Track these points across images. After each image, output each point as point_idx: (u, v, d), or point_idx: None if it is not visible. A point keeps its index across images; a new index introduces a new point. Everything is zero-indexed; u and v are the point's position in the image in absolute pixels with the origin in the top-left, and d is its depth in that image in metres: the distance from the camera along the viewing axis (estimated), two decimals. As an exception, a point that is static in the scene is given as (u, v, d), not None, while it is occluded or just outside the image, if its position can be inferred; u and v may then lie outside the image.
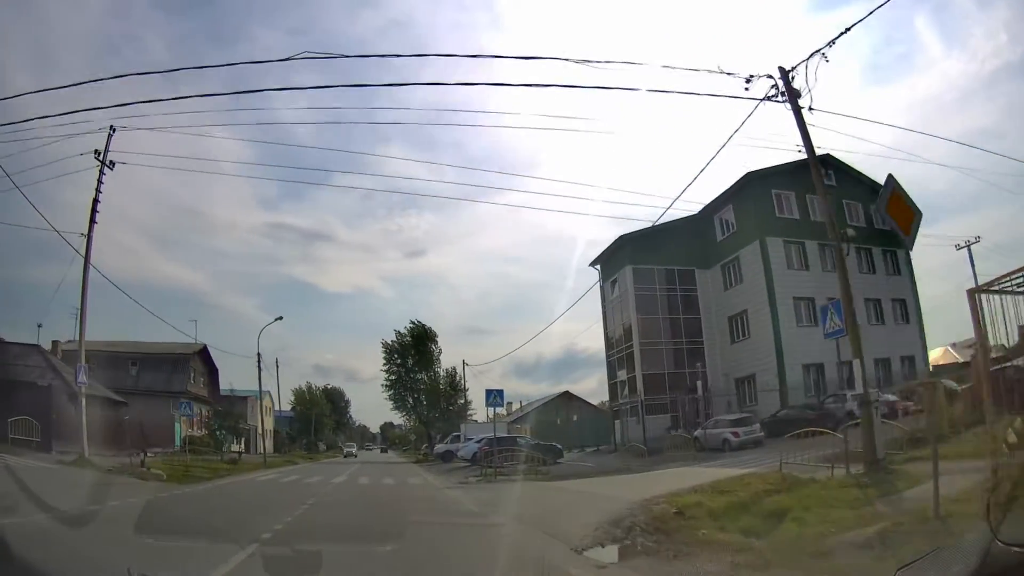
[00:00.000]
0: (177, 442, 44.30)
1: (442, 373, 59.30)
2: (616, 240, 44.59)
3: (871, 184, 32.03)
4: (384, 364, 59.27)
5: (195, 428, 45.41)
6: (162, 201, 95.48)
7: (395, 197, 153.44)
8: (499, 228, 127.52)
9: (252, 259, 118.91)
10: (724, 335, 41.82)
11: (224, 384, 54.94)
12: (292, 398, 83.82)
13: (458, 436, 46.21)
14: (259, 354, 43.01)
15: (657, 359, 42.44)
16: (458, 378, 59.36)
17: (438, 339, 59.00)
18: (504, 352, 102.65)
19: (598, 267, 48.35)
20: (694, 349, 42.46)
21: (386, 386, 59.34)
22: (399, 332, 59.42)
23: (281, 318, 44.09)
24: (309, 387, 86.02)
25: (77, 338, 26.15)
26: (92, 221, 27.52)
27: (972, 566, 3.00)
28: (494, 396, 25.98)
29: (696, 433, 29.98)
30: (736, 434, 27.82)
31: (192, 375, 49.93)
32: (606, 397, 49.91)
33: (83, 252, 26.78)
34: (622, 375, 45.25)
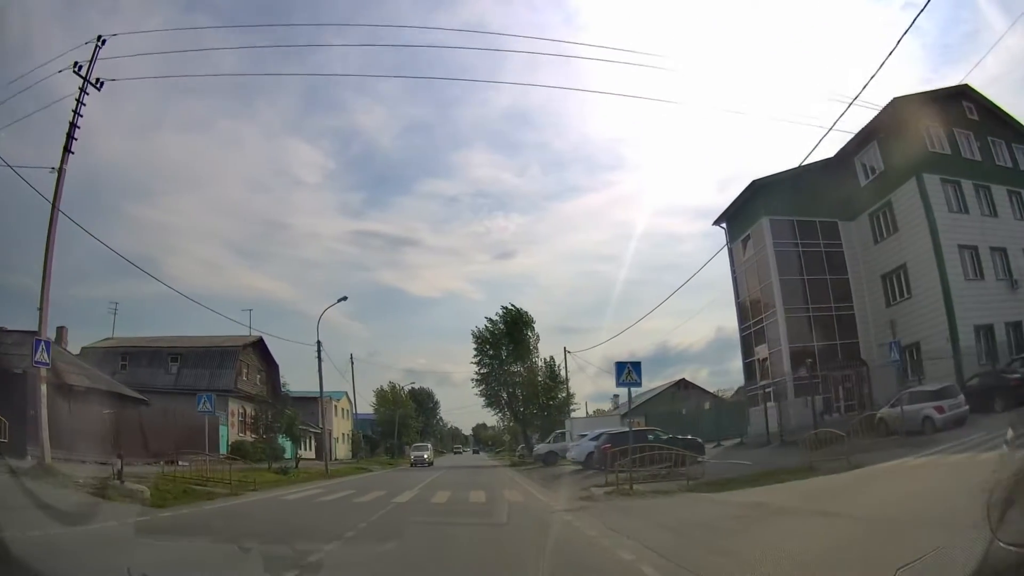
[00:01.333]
0: (223, 447, 37.54)
1: (540, 364, 50.68)
2: (747, 188, 35.93)
3: (1015, 125, 30.98)
4: (475, 356, 51.43)
5: (248, 432, 38.54)
6: (245, 215, 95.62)
7: (481, 200, 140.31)
8: (588, 227, 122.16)
9: (338, 267, 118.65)
10: (876, 297, 33.53)
11: (294, 385, 48.52)
12: (374, 399, 77.22)
13: (563, 434, 37.60)
14: (319, 342, 35.64)
15: (802, 329, 33.59)
16: (557, 368, 50.63)
17: (535, 325, 50.43)
18: (608, 337, 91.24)
19: (723, 225, 39.00)
20: (844, 316, 34.19)
21: (477, 381, 51.42)
22: (491, 319, 51.36)
23: (345, 298, 34.19)
24: (393, 387, 79.17)
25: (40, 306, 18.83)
26: (67, 150, 20.44)
27: (972, 566, 3.02)
28: (627, 371, 17.00)
29: (881, 413, 23.59)
30: (940, 409, 21.03)
31: (244, 371, 43.22)
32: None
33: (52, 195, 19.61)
34: (761, 351, 35.75)
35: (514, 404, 51.62)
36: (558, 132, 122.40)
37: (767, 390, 34.23)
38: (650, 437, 23.73)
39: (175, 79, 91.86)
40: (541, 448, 37.74)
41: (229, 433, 37.33)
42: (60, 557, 7.51)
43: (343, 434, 71.21)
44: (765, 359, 35.36)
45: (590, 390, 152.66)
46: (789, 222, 35.03)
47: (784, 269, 34.16)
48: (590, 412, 61.51)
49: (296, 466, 34.65)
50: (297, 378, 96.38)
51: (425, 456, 48.89)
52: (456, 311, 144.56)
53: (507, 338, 50.10)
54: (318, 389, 61.58)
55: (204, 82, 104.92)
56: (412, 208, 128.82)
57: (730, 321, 38.55)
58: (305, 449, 55.15)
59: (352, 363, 57.06)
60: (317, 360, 35.65)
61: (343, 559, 7.97)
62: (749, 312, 37.03)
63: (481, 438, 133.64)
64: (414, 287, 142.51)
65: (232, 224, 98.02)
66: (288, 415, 35.24)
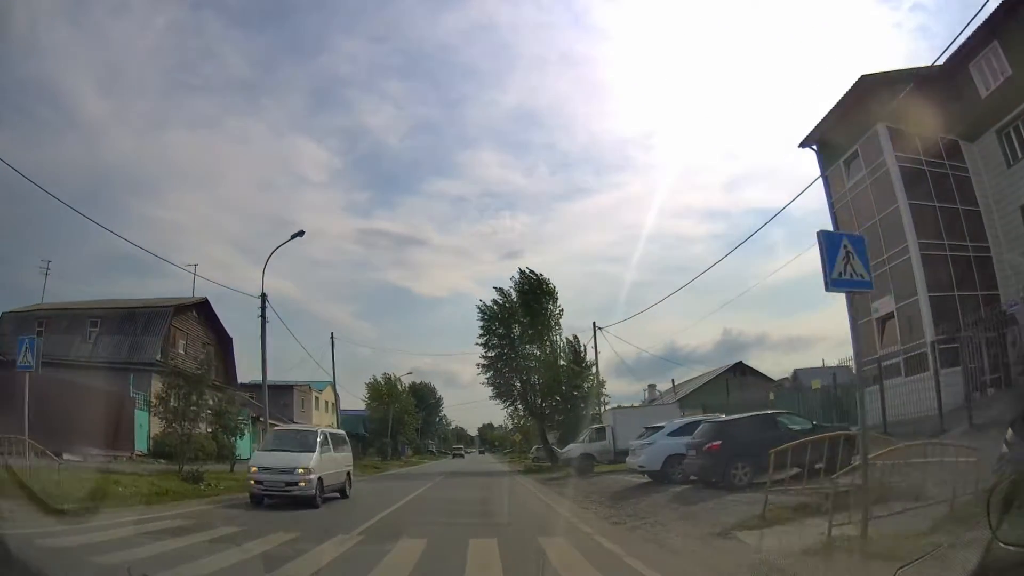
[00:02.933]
0: (141, 441, 27.63)
1: (561, 344, 40.51)
2: (853, 89, 25.56)
3: None
4: (480, 335, 41.18)
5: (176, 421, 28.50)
6: (252, 213, 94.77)
7: (488, 199, 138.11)
8: (596, 228, 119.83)
9: (345, 266, 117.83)
10: (1016, 235, 22.62)
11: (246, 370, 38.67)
12: (366, 393, 67.14)
13: (601, 430, 27.58)
14: (264, 295, 25.40)
15: (939, 274, 23.09)
16: (583, 351, 40.54)
17: (558, 296, 40.33)
18: (641, 309, 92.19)
19: (814, 147, 28.75)
20: (981, 259, 23.70)
21: (483, 366, 41.18)
22: (501, 289, 41.10)
23: (301, 233, 23.39)
24: (388, 378, 68.74)
25: None
26: None
27: (972, 566, 3.16)
28: (844, 249, 6.87)
29: None
30: None
31: (181, 341, 33.28)
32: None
33: None
34: (882, 305, 25.37)
35: (530, 395, 41.64)
36: (566, 132, 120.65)
37: (891, 361, 24.00)
38: (786, 425, 13.61)
39: (183, 77, 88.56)
40: (572, 450, 27.73)
41: (151, 422, 27.31)
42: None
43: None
44: (888, 316, 25.16)
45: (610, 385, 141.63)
46: (908, 135, 24.88)
47: (912, 191, 24.00)
48: (647, 394, 51.44)
49: (232, 468, 24.77)
50: (278, 369, 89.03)
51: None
52: (462, 311, 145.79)
53: (522, 312, 40.10)
54: (304, 378, 52.23)
55: (212, 80, 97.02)
56: (419, 207, 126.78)
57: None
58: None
59: (333, 342, 47.17)
60: (260, 322, 25.55)
61: None
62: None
63: (488, 438, 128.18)
64: (421, 287, 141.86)
65: (239, 222, 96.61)
66: (218, 401, 25.32)
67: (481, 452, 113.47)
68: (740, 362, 38.38)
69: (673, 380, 41.96)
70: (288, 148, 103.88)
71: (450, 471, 37.21)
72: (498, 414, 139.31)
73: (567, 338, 40.41)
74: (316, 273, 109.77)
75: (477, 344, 41.87)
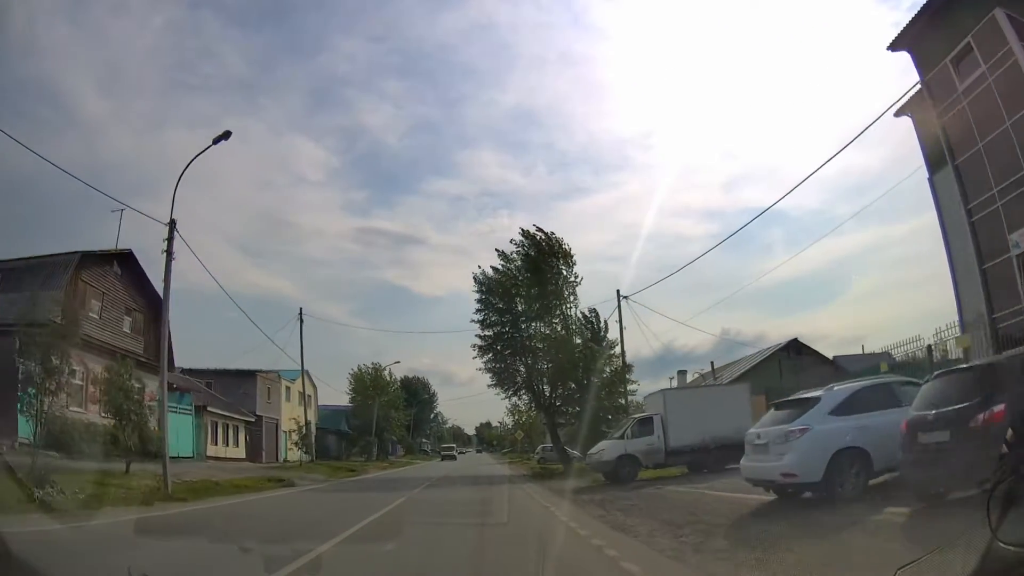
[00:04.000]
0: (24, 427, 19.93)
1: (577, 319, 32.86)
2: None
3: None
4: (478, 310, 33.65)
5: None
6: (249, 212, 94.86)
7: (486, 199, 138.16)
8: (594, 227, 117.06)
9: (343, 265, 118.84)
10: None
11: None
12: (349, 385, 59.46)
13: (647, 421, 19.99)
14: (172, 221, 17.67)
15: None
16: (603, 328, 32.94)
17: (573, 258, 32.76)
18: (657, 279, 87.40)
19: (906, 51, 21.02)
20: None
21: (480, 348, 33.66)
22: (504, 254, 33.38)
23: (227, 135, 15.58)
24: (375, 369, 60.85)
25: None
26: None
27: (972, 566, 2.94)
28: None
29: None
30: None
31: (94, 302, 25.66)
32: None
33: None
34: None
35: (536, 383, 34.16)
36: (565, 132, 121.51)
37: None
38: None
39: (181, 76, 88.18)
40: (607, 449, 19.93)
41: (46, 402, 19.55)
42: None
43: (303, 427, 53.59)
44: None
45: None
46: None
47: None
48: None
49: (127, 469, 17.33)
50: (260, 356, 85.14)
51: None
52: (461, 311, 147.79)
53: (529, 277, 32.63)
54: (269, 363, 44.56)
55: (211, 79, 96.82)
56: (417, 207, 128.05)
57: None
58: (226, 444, 37.72)
59: (301, 319, 39.60)
60: (166, 258, 17.90)
61: None
62: (970, 175, 19.04)
63: (486, 438, 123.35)
64: (419, 286, 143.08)
65: (236, 221, 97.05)
66: (115, 373, 17.80)
67: (478, 451, 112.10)
68: (795, 339, 30.74)
69: (712, 363, 34.50)
70: (286, 147, 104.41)
71: (439, 476, 29.79)
72: (497, 412, 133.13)
73: (583, 312, 32.81)
74: (314, 272, 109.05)
75: (473, 322, 34.45)
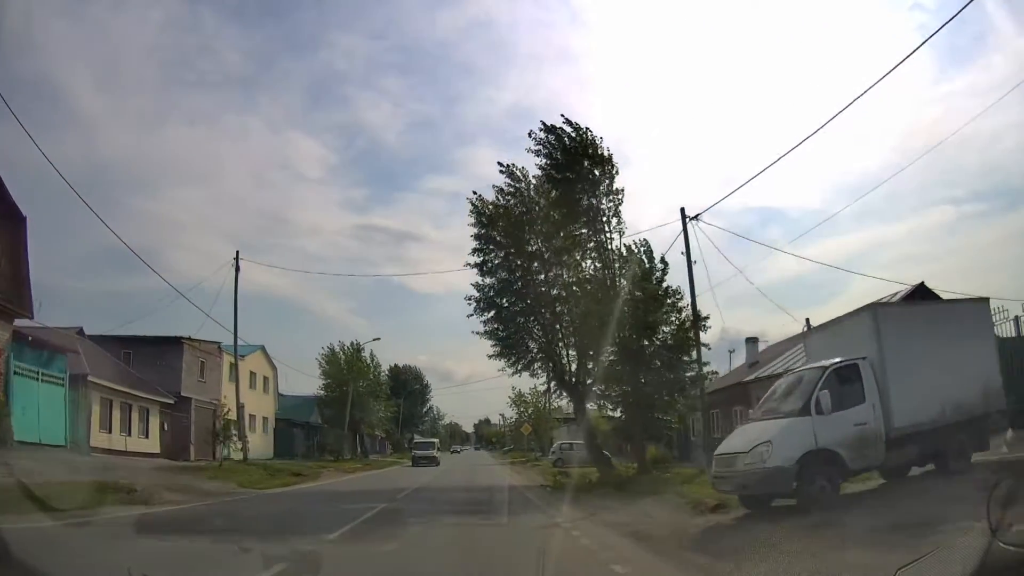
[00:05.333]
0: None
1: (617, 251, 22.30)
2: None
3: None
4: (475, 248, 23.85)
5: None
6: (248, 209, 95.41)
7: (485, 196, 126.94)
8: None
9: (341, 262, 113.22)
10: None
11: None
12: (321, 369, 49.02)
13: (850, 374, 9.61)
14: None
15: None
16: (657, 268, 22.26)
17: (615, 166, 22.06)
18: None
19: None
20: None
21: (478, 304, 23.90)
22: (510, 169, 23.35)
23: None
24: (356, 347, 50.21)
25: None
26: None
27: (972, 566, 2.95)
28: None
29: None
30: None
31: None
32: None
33: None
34: None
35: (558, 348, 24.01)
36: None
37: None
38: None
39: (180, 72, 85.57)
40: (772, 445, 8.39)
41: None
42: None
43: (264, 418, 43.31)
44: None
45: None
46: None
47: None
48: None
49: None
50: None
51: None
52: (459, 308, 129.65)
53: (550, 203, 22.57)
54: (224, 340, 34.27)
55: (209, 75, 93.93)
56: (416, 204, 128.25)
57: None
58: (127, 432, 27.59)
59: (237, 265, 29.35)
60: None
61: None
62: None
63: (484, 435, 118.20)
64: (417, 283, 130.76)
65: (235, 218, 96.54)
66: None
67: (477, 448, 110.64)
68: (922, 283, 20.59)
69: (808, 319, 24.13)
70: (285, 144, 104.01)
71: (410, 490, 19.64)
72: (497, 407, 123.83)
73: (628, 244, 22.32)
74: (313, 268, 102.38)
75: (468, 266, 24.49)
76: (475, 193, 23.98)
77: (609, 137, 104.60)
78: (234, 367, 32.10)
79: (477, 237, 23.97)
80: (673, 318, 21.13)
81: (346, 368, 47.33)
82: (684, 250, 22.14)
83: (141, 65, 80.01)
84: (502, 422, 78.44)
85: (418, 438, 62.48)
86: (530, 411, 52.41)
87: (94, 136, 76.21)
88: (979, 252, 60.38)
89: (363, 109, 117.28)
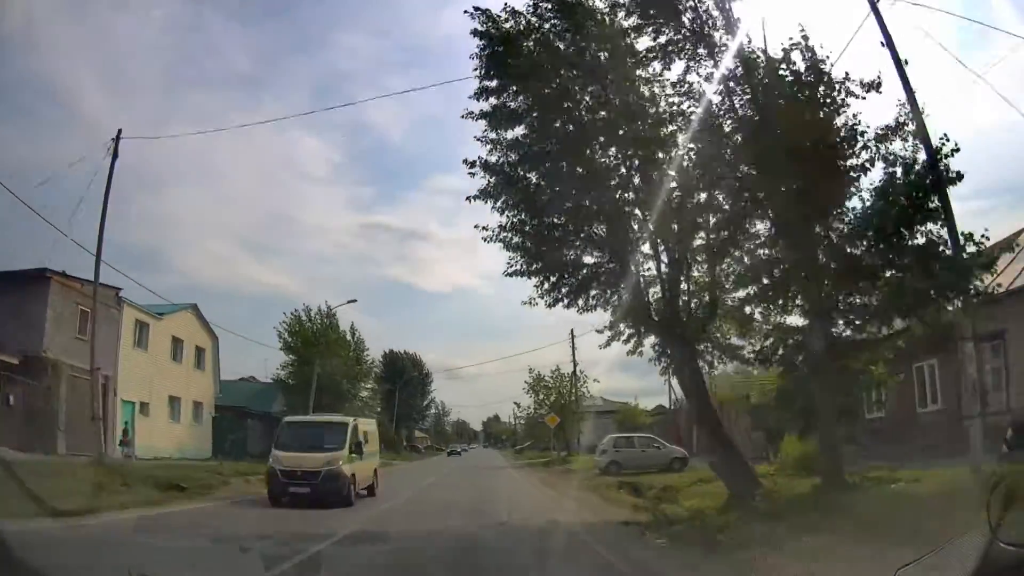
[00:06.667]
0: None
1: (755, 55, 11.50)
2: None
3: None
4: (479, 91, 13.06)
5: None
6: (253, 208, 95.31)
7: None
8: None
9: (347, 261, 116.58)
10: None
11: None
12: (282, 340, 38.06)
13: None
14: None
15: None
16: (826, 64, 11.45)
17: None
18: None
19: None
20: None
21: (486, 167, 13.28)
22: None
23: None
24: (328, 312, 39.20)
25: None
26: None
27: (972, 566, 2.90)
28: None
29: None
30: None
31: None
32: None
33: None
34: None
35: (630, 246, 13.28)
36: None
37: None
38: None
39: (184, 72, 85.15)
40: None
41: None
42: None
43: (195, 403, 32.35)
44: None
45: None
46: None
47: None
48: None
49: None
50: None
51: None
52: (466, 307, 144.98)
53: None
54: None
55: (214, 75, 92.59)
56: (421, 202, 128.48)
57: None
58: None
59: (114, 156, 18.70)
60: None
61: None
62: None
63: (493, 432, 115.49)
64: (423, 282, 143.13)
65: (240, 217, 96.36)
66: None
67: (485, 446, 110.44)
68: None
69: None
70: (290, 143, 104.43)
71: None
72: (505, 407, 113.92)
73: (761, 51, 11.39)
74: (318, 269, 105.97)
75: (467, 116, 13.66)
76: (476, 8, 13.14)
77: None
78: (91, 311, 20.73)
79: (485, 74, 13.12)
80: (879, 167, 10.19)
81: (314, 339, 36.50)
82: (884, 39, 11.14)
83: (145, 65, 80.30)
84: (515, 414, 66.99)
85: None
86: (552, 398, 41.40)
87: (96, 136, 71.13)
88: None
89: (368, 107, 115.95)
